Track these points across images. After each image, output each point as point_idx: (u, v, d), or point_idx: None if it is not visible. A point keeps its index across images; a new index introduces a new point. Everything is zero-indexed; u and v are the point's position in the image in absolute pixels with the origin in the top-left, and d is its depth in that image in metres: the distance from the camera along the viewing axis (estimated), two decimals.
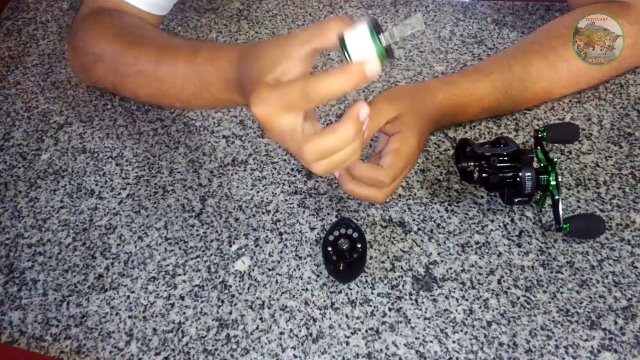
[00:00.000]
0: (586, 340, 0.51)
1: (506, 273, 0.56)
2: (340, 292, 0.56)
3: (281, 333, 0.54)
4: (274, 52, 0.46)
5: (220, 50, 0.56)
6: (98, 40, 0.66)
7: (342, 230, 0.56)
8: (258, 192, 0.65)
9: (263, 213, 0.63)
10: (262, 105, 0.44)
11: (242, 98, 0.54)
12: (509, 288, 0.55)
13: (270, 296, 0.56)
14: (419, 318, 0.54)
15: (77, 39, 0.70)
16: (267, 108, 0.44)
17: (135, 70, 0.62)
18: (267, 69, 0.46)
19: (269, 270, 0.58)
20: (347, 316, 0.54)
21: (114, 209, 0.65)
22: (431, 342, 0.52)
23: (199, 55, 0.57)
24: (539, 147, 0.60)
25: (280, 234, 0.61)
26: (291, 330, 0.54)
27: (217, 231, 0.62)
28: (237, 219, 0.62)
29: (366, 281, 0.57)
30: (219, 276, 0.58)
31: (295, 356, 0.52)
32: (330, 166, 0.45)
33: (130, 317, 0.56)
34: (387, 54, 0.43)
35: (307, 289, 0.56)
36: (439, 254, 0.58)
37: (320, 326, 0.54)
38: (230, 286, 0.57)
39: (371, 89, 0.75)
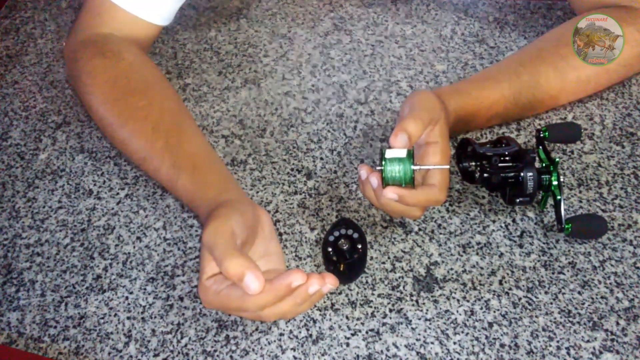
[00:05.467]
0: (588, 341, 0.51)
1: (508, 274, 0.56)
2: (340, 293, 0.56)
3: (281, 334, 0.53)
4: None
5: (197, 192, 0.57)
6: (92, 88, 0.64)
7: (343, 231, 0.56)
8: (258, 192, 0.64)
9: None
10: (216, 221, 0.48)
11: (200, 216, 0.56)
12: (510, 289, 0.55)
13: None
14: (419, 319, 0.53)
15: (74, 67, 0.67)
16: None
17: (127, 145, 0.62)
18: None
19: None
20: (347, 317, 0.54)
21: (113, 209, 0.64)
22: (432, 343, 0.52)
23: (179, 186, 0.58)
24: (540, 147, 0.60)
25: (280, 234, 0.61)
26: (291, 332, 0.53)
27: None
28: None
29: (367, 282, 0.56)
30: None
31: (295, 357, 0.52)
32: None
33: (128, 318, 0.55)
34: (411, 178, 0.52)
35: None
36: (440, 254, 0.58)
37: (320, 327, 0.53)
38: None
39: (372, 89, 0.74)
